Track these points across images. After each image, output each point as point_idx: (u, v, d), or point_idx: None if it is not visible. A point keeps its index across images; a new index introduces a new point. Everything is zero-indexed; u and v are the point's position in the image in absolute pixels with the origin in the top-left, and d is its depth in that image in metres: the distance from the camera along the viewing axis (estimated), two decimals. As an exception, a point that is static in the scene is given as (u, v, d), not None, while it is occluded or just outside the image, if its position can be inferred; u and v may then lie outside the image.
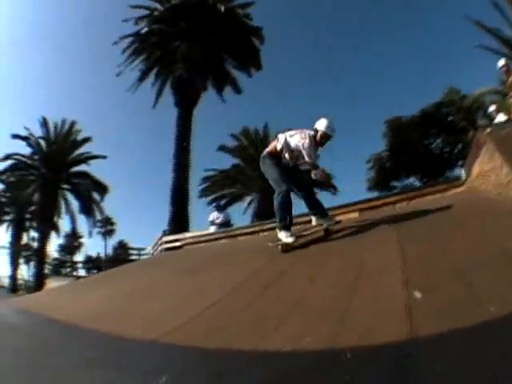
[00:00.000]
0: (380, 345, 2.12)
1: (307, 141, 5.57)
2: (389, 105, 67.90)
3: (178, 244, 13.37)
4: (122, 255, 27.91)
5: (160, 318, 4.04)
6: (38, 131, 33.42)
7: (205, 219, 15.60)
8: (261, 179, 31.13)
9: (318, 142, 5.71)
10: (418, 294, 2.71)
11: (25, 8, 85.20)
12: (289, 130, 5.90)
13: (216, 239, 10.84)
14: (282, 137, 5.78)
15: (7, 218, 43.40)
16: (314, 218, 6.01)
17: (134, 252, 20.69)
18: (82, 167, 34.11)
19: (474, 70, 42.79)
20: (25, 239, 45.46)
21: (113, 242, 62.04)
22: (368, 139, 76.81)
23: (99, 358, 3.13)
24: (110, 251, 58.13)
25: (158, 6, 23.32)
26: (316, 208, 5.95)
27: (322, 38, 79.73)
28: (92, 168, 33.73)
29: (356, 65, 79.88)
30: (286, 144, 5.68)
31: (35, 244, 39.23)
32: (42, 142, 33.42)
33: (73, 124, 34.18)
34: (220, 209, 15.41)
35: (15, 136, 32.62)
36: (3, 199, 41.13)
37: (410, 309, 2.41)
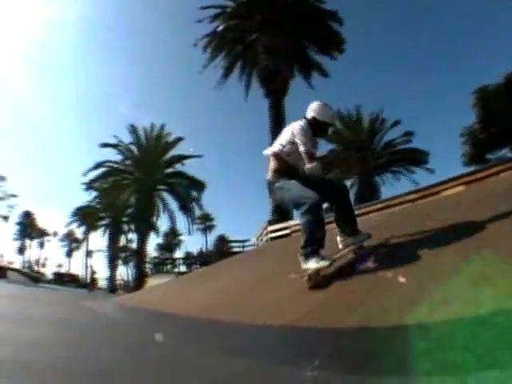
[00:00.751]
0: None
1: (297, 127, 4.32)
2: (476, 74, 64.04)
3: (285, 232, 13.57)
4: (223, 249, 28.43)
5: (282, 304, 3.91)
6: (125, 138, 35.10)
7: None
8: (359, 162, 31.18)
9: (315, 130, 4.41)
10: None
11: (102, 15, 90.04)
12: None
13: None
14: (273, 146, 4.56)
15: (102, 222, 46.08)
16: (339, 237, 4.59)
17: (237, 245, 21.09)
18: (178, 167, 35.47)
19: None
20: (122, 241, 47.99)
21: (212, 237, 64.07)
22: (459, 113, 73.38)
23: (233, 346, 3.02)
24: (210, 246, 59.85)
25: (228, 3, 23.56)
26: (346, 224, 4.55)
27: (402, 12, 76.69)
28: (187, 166, 34.90)
29: (437, 37, 76.61)
30: (279, 147, 4.44)
31: (133, 245, 41.28)
32: (133, 148, 35.02)
33: (162, 127, 35.54)
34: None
35: (104, 145, 34.32)
36: (98, 206, 43.49)
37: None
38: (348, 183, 30.65)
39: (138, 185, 33.39)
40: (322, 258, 4.01)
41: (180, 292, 8.65)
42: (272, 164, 4.48)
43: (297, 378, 1.96)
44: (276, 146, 4.46)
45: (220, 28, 23.47)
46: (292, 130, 4.33)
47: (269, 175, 4.51)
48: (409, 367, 1.84)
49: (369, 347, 2.34)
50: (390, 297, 2.95)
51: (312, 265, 4.02)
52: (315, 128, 4.37)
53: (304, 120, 4.40)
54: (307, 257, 4.08)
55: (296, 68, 23.50)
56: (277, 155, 4.44)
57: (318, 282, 4.03)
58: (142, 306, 7.93)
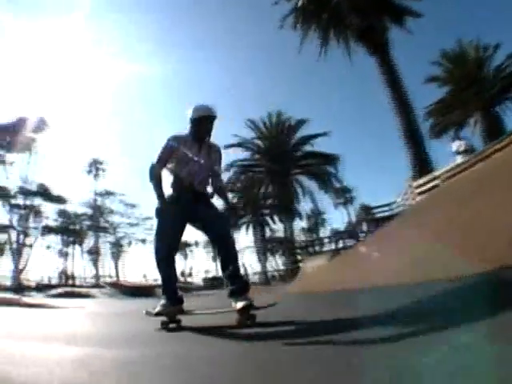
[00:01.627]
0: None
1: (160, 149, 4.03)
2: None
3: (433, 184, 13.15)
4: (367, 218, 28.59)
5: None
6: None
7: (439, 157, 15.36)
8: (475, 97, 28.97)
9: (199, 130, 4.02)
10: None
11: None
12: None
13: (470, 166, 10.04)
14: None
15: (243, 220, 48.09)
16: (233, 300, 3.56)
17: (381, 210, 20.92)
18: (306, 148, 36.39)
19: None
20: (267, 233, 49.71)
21: (354, 207, 62.81)
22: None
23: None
24: (354, 218, 58.60)
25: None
26: (229, 279, 3.65)
27: None
28: (319, 144, 35.66)
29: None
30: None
31: (278, 235, 42.79)
32: (257, 141, 36.85)
33: (279, 114, 36.61)
34: (459, 136, 15.11)
35: (229, 146, 35.44)
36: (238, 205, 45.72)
37: None
38: (472, 121, 29.23)
39: (271, 175, 34.83)
40: (168, 304, 3.72)
41: (354, 268, 7.60)
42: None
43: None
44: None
45: (299, 3, 23.64)
46: None
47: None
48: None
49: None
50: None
51: (158, 306, 3.73)
52: (198, 128, 4.02)
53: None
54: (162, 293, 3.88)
55: (387, 20, 22.51)
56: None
57: (163, 326, 3.64)
58: (321, 290, 7.24)
